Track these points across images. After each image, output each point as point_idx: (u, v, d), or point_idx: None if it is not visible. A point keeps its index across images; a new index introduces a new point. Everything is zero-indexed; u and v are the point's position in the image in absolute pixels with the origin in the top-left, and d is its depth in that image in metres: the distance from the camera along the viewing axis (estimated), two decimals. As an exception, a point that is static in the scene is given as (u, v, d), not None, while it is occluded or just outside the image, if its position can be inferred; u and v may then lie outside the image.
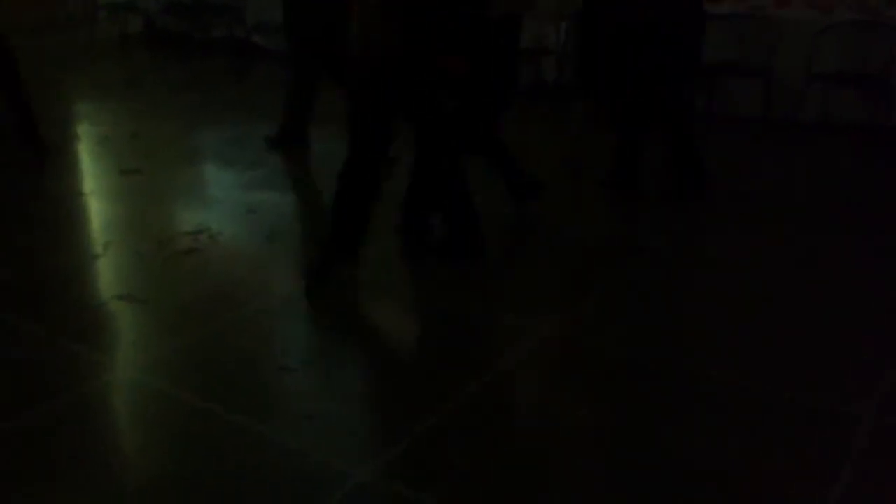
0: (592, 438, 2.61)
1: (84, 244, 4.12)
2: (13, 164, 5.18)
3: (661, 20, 4.30)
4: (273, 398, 2.84)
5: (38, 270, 3.78)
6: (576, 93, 6.58)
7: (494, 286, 3.68)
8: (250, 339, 3.22)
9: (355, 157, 3.46)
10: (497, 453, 2.52)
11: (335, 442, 2.56)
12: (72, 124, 6.32)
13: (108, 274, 3.84)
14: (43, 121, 5.32)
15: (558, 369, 3.02)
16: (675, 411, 2.73)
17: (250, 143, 5.80)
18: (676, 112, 4.55)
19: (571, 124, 6.38)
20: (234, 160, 5.40)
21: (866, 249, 4.05)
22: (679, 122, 4.55)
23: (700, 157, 4.64)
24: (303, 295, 3.50)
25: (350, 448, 2.54)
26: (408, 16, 3.28)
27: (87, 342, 3.16)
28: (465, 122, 3.67)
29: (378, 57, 3.33)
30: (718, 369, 2.95)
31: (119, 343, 3.25)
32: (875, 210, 4.61)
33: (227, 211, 4.52)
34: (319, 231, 4.28)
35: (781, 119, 6.33)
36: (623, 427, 2.65)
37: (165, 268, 3.82)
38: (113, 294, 3.58)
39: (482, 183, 4.08)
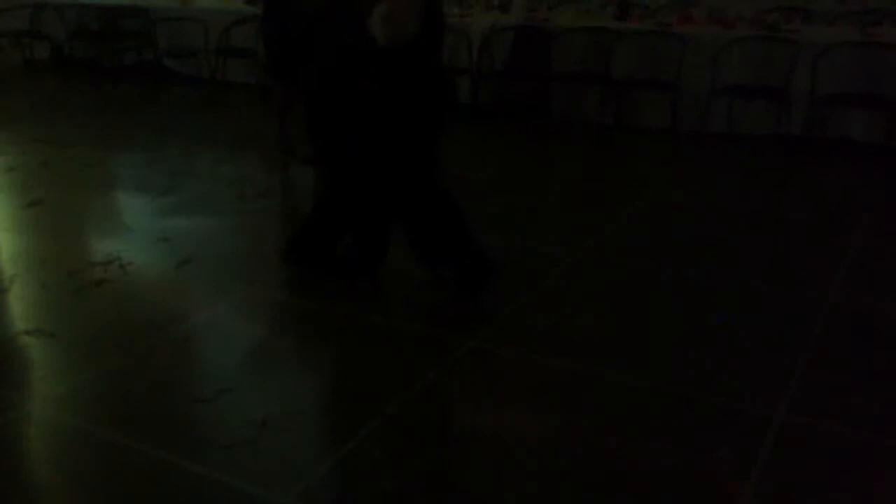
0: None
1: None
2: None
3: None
4: (188, 429, 2.78)
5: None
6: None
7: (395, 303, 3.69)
8: (164, 369, 3.14)
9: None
10: (424, 472, 2.51)
11: (253, 470, 2.52)
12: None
13: (14, 308, 3.69)
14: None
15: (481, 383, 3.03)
16: (606, 417, 2.78)
17: (162, 169, 5.70)
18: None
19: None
20: (146, 187, 5.29)
21: (767, 248, 4.21)
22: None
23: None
24: (217, 321, 3.44)
25: (269, 475, 2.49)
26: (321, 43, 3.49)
27: (-6, 379, 3.04)
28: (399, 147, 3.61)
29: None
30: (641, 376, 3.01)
31: (28, 379, 3.13)
32: (776, 210, 4.80)
33: (138, 239, 4.41)
34: (233, 257, 4.23)
35: (689, 130, 6.55)
36: (563, 438, 2.68)
37: (75, 300, 3.70)
38: (20, 329, 3.45)
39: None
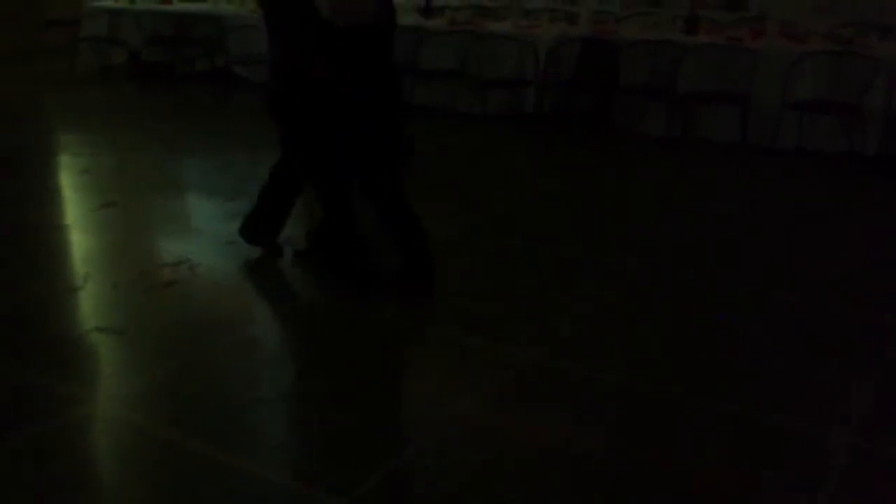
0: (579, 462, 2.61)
1: (63, 277, 4.10)
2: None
3: None
4: (249, 430, 2.83)
5: (16, 303, 3.75)
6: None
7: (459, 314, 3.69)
8: (227, 370, 3.21)
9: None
10: (468, 490, 2.51)
11: (306, 472, 2.55)
12: (53, 155, 6.32)
13: (86, 306, 3.81)
14: (25, 151, 5.33)
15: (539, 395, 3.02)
16: (662, 434, 2.74)
17: (230, 173, 5.83)
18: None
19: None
20: (214, 190, 5.42)
21: (834, 268, 4.10)
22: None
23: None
24: (280, 325, 3.50)
25: (321, 479, 2.52)
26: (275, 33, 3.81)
27: (64, 375, 3.13)
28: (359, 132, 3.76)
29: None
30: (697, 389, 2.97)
31: (96, 376, 3.22)
32: (845, 231, 4.68)
33: (207, 242, 4.51)
34: (297, 261, 4.30)
35: (757, 145, 6.43)
36: (611, 451, 2.65)
37: (144, 300, 3.80)
38: (91, 326, 3.56)
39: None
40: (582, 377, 3.12)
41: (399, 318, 3.67)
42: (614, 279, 4.01)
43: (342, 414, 2.90)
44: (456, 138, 6.89)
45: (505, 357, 3.25)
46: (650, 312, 3.69)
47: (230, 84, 8.60)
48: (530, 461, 2.62)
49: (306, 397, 3.04)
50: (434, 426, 2.81)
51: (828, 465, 2.58)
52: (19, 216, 4.84)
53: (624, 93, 6.86)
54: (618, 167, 6.22)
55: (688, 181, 5.82)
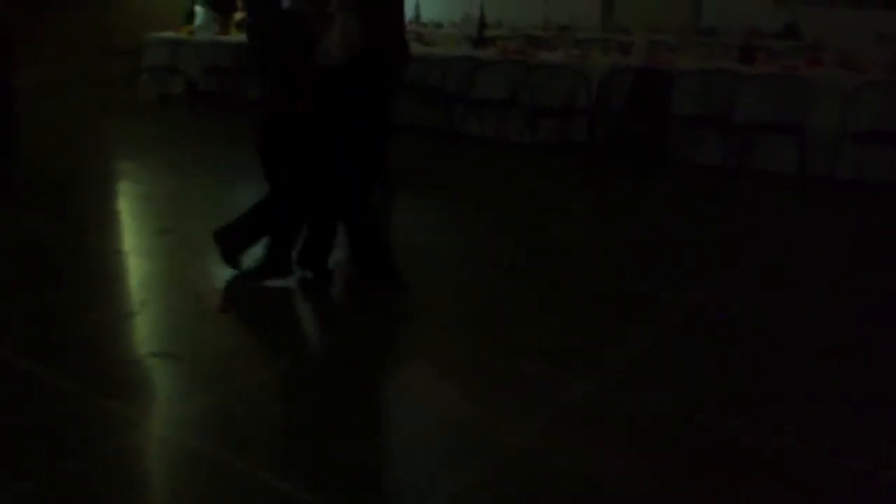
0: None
1: (122, 301, 4.18)
2: (55, 221, 5.29)
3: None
4: (302, 457, 2.83)
5: (75, 326, 3.83)
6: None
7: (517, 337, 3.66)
8: (279, 397, 3.23)
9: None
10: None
11: (358, 499, 2.54)
12: (114, 181, 6.48)
13: (143, 331, 3.88)
14: (87, 177, 5.46)
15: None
16: (717, 469, 2.67)
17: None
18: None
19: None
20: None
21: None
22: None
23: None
24: (333, 354, 3.52)
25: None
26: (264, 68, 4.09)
27: (121, 398, 3.18)
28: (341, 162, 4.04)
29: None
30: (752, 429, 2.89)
31: (152, 399, 3.27)
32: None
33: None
34: (352, 290, 4.32)
35: (816, 176, 6.31)
36: (667, 484, 2.60)
37: (199, 325, 3.86)
38: (148, 350, 3.61)
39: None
40: (638, 409, 3.07)
41: (453, 346, 3.65)
42: (671, 311, 3.95)
43: (395, 443, 2.89)
44: (508, 166, 6.89)
45: (562, 386, 3.21)
46: (708, 346, 3.62)
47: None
48: (583, 494, 2.58)
49: (357, 425, 3.03)
50: (491, 454, 2.78)
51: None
52: (81, 240, 4.95)
53: (678, 122, 6.80)
54: (673, 197, 6.15)
55: (745, 213, 5.73)
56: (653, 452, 2.80)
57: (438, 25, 9.68)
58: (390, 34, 4.14)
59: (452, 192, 6.12)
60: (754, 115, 6.49)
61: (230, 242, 4.30)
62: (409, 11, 9.72)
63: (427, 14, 9.91)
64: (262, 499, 2.56)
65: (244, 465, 2.72)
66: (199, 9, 10.23)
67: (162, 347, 3.62)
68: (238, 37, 9.51)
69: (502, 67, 7.49)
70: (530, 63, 7.39)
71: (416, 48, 8.26)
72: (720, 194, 6.22)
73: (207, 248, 4.91)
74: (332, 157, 3.98)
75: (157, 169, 6.89)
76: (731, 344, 3.64)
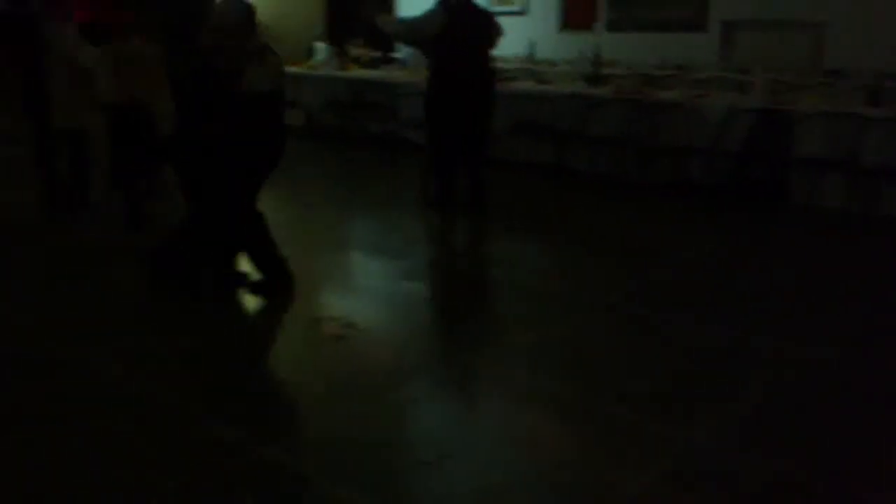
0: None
1: (238, 324, 4.35)
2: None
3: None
4: (406, 489, 2.86)
5: (195, 349, 3.99)
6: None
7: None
8: (390, 428, 3.27)
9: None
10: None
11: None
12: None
13: (259, 355, 4.01)
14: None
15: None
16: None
17: (397, 234, 6.02)
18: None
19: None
20: (381, 250, 5.61)
21: None
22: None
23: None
24: (443, 385, 3.56)
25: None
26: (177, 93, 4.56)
27: (234, 420, 3.29)
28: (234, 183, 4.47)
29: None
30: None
31: (265, 424, 3.35)
32: None
33: (374, 300, 4.67)
34: (464, 323, 4.36)
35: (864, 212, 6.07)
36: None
37: (314, 352, 3.96)
38: (263, 373, 3.74)
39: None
40: (749, 465, 2.97)
41: (561, 390, 3.62)
42: (788, 366, 3.81)
43: (509, 482, 2.88)
44: (620, 206, 6.83)
45: (669, 438, 3.15)
46: (826, 403, 3.48)
47: (399, 147, 8.93)
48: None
49: (467, 462, 3.04)
50: (602, 502, 2.74)
51: None
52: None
53: (800, 165, 6.60)
54: (793, 243, 5.96)
55: (872, 262, 5.49)
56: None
57: (552, 63, 9.72)
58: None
59: (562, 231, 6.11)
60: (881, 159, 6.25)
61: (170, 270, 4.66)
62: (522, 48, 9.85)
63: (542, 52, 9.98)
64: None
65: (352, 496, 2.77)
66: (320, 45, 10.62)
67: (277, 371, 3.73)
68: (358, 72, 9.84)
69: (616, 106, 7.46)
70: (645, 102, 7.34)
71: (529, 86, 8.35)
72: (844, 241, 5.97)
73: (322, 278, 5.07)
74: (229, 175, 4.43)
75: (275, 198, 7.13)
76: (853, 402, 3.48)
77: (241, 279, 4.71)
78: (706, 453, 3.05)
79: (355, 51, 10.41)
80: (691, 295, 4.72)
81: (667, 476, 2.91)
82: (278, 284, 4.65)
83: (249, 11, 4.41)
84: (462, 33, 6.09)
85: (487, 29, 6.30)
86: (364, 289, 4.92)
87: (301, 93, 10.02)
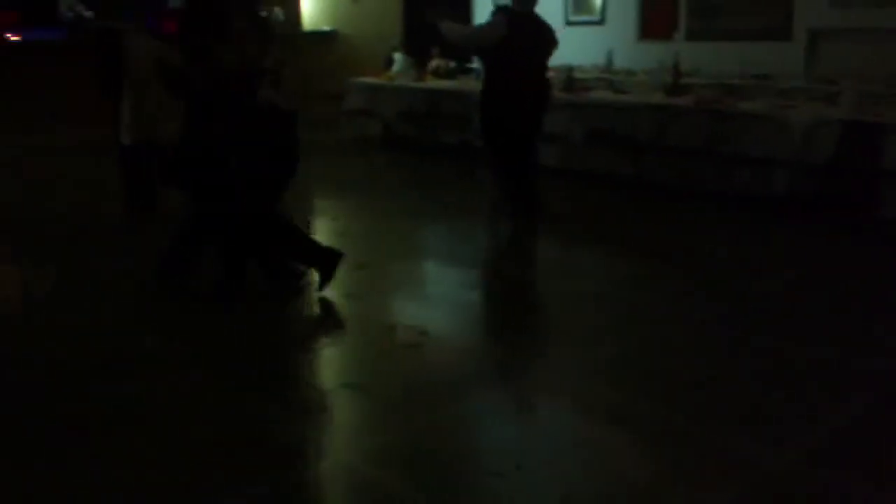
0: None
1: (318, 331, 4.41)
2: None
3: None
4: (480, 500, 2.85)
5: (278, 353, 4.07)
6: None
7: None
8: (464, 437, 3.27)
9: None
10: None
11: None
12: (314, 217, 6.86)
13: (337, 362, 4.07)
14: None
15: None
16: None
17: (471, 244, 6.02)
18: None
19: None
20: (455, 259, 5.62)
21: None
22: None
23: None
24: (516, 398, 3.53)
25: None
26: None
27: (315, 425, 3.34)
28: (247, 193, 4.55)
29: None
30: None
31: (343, 429, 3.40)
32: None
33: (448, 309, 4.67)
34: (534, 336, 4.33)
35: None
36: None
37: (388, 360, 3.98)
38: (340, 381, 3.78)
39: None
40: (831, 487, 2.86)
41: (642, 405, 3.55)
42: (885, 387, 3.66)
43: (584, 498, 2.84)
44: (699, 218, 6.69)
45: (752, 458, 3.06)
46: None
47: (473, 157, 8.93)
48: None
49: (541, 475, 3.01)
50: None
51: None
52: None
53: (889, 178, 6.35)
54: (884, 257, 5.73)
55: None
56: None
57: (630, 73, 9.61)
58: None
59: (641, 243, 6.01)
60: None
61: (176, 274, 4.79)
62: (600, 58, 9.77)
63: (619, 62, 9.88)
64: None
65: (419, 501, 2.77)
66: (398, 55, 10.72)
67: (353, 379, 3.77)
68: (433, 83, 9.90)
69: (696, 116, 7.31)
70: (726, 112, 7.17)
71: (606, 95, 8.26)
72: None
73: (397, 285, 5.11)
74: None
75: (353, 207, 7.25)
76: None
77: (292, 276, 4.85)
78: (792, 475, 2.95)
79: (433, 62, 10.48)
80: (780, 311, 4.57)
81: (745, 497, 2.82)
82: (331, 267, 4.74)
83: (265, 27, 4.68)
84: (522, 43, 6.17)
85: (546, 40, 6.39)
86: (438, 297, 4.93)
87: (377, 103, 10.13)
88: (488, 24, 6.30)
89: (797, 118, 6.80)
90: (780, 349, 4.03)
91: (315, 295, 4.75)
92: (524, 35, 6.19)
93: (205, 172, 4.53)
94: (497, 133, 6.39)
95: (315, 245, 4.91)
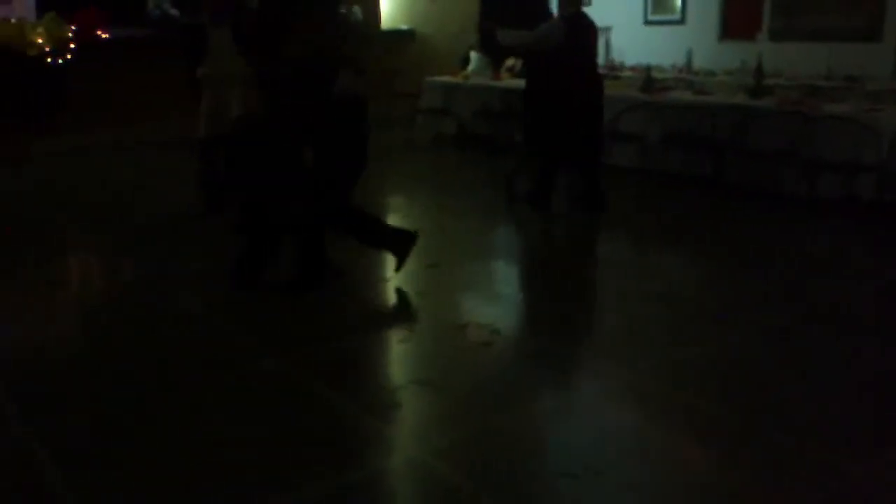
0: None
1: (391, 328, 4.47)
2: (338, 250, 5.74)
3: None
4: (556, 500, 2.83)
5: (352, 349, 4.12)
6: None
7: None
8: (535, 438, 3.26)
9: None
10: None
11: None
12: (384, 215, 6.91)
13: (410, 358, 4.10)
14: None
15: None
16: None
17: (546, 243, 6.00)
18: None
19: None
20: (527, 258, 5.61)
21: None
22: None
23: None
24: (591, 398, 3.50)
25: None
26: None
27: (386, 420, 3.38)
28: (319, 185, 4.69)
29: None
30: None
31: (415, 426, 3.43)
32: None
33: (518, 308, 4.67)
34: (611, 336, 4.29)
35: None
36: None
37: (460, 357, 4.00)
38: (412, 378, 3.81)
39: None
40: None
41: (718, 411, 3.48)
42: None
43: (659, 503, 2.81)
44: (781, 222, 6.50)
45: (839, 470, 2.97)
46: None
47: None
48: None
49: (616, 479, 2.98)
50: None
51: None
52: (356, 270, 5.31)
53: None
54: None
55: None
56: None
57: (711, 73, 9.42)
58: None
59: (720, 245, 5.89)
60: None
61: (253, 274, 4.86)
62: (680, 58, 9.60)
63: (700, 62, 9.69)
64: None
65: (490, 501, 2.77)
66: (473, 54, 10.73)
67: (425, 375, 3.79)
68: (510, 81, 9.87)
69: (779, 118, 7.13)
70: (810, 114, 6.97)
71: (686, 96, 8.12)
72: None
73: (469, 284, 5.12)
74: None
75: (427, 205, 7.28)
76: None
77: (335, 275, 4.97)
78: (883, 488, 2.86)
79: (508, 61, 10.45)
80: (868, 318, 4.43)
81: (826, 509, 2.75)
82: (406, 249, 4.90)
83: (342, 22, 4.76)
84: (578, 42, 6.40)
85: (596, 37, 6.66)
86: (508, 297, 4.93)
87: (453, 102, 10.16)
88: (549, 27, 6.51)
89: (886, 122, 6.57)
90: (867, 358, 3.90)
91: (389, 291, 4.80)
92: (579, 34, 6.42)
93: (275, 172, 4.67)
94: (557, 129, 6.47)
95: (387, 228, 5.06)
